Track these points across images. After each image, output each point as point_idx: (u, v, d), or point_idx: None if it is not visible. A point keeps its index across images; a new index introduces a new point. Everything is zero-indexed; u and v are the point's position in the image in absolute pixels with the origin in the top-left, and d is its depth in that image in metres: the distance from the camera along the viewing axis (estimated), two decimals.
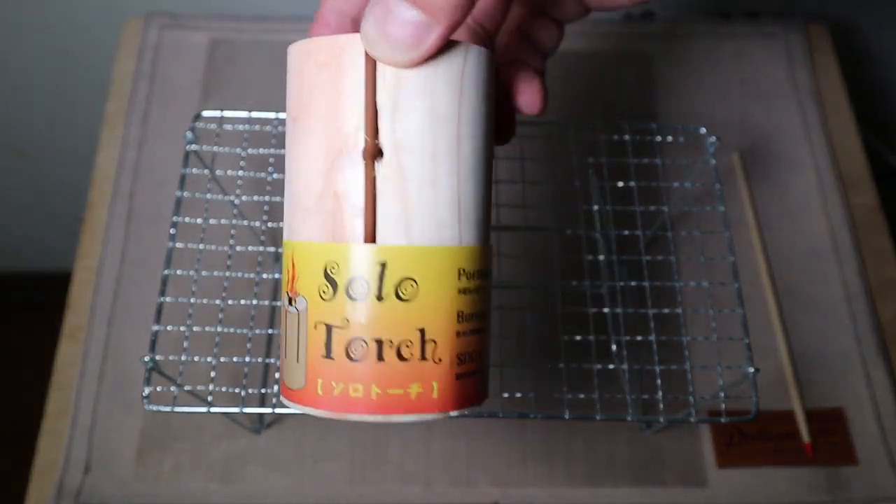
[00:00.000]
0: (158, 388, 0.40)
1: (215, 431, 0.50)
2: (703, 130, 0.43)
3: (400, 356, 0.25)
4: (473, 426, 0.51)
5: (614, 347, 0.42)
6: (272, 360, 0.43)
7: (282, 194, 0.46)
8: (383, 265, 0.25)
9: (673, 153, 0.60)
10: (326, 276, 0.25)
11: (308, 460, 0.50)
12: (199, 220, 0.43)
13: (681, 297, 0.55)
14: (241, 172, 0.44)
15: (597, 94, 0.47)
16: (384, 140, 0.25)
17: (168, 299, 0.41)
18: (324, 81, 0.25)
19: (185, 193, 0.43)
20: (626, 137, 0.44)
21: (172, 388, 0.39)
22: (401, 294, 0.25)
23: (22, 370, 1.11)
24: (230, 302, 0.44)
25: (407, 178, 0.25)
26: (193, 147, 0.44)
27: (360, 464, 0.50)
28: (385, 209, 0.25)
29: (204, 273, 0.49)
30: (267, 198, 0.44)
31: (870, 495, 0.49)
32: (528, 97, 0.30)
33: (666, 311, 0.42)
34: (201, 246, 0.42)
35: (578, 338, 0.42)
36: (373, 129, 0.25)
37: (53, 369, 0.53)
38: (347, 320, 0.25)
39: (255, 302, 0.41)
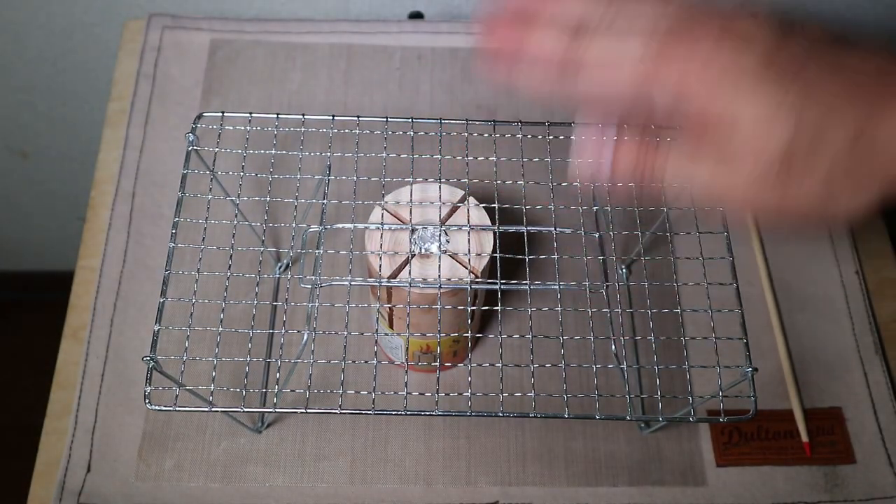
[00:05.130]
0: (160, 388, 0.40)
1: (216, 431, 0.51)
2: None
3: None
4: (473, 426, 0.51)
5: (614, 347, 0.42)
6: (272, 360, 0.43)
7: (282, 195, 0.46)
8: None
9: None
10: None
11: (308, 460, 0.50)
12: (200, 221, 0.43)
13: (680, 297, 0.55)
14: (241, 173, 0.44)
15: None
16: None
17: (169, 299, 0.41)
18: None
19: (187, 194, 0.43)
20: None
21: (174, 388, 0.39)
22: None
23: (24, 370, 1.11)
24: (231, 302, 0.44)
25: None
26: (195, 147, 0.44)
27: (360, 463, 0.50)
28: None
29: (205, 273, 0.50)
30: (267, 198, 0.44)
31: (868, 494, 0.49)
32: None
33: (665, 311, 0.42)
34: (202, 246, 0.43)
35: (578, 338, 0.42)
36: None
37: (55, 369, 0.53)
38: None
39: (255, 302, 0.41)
